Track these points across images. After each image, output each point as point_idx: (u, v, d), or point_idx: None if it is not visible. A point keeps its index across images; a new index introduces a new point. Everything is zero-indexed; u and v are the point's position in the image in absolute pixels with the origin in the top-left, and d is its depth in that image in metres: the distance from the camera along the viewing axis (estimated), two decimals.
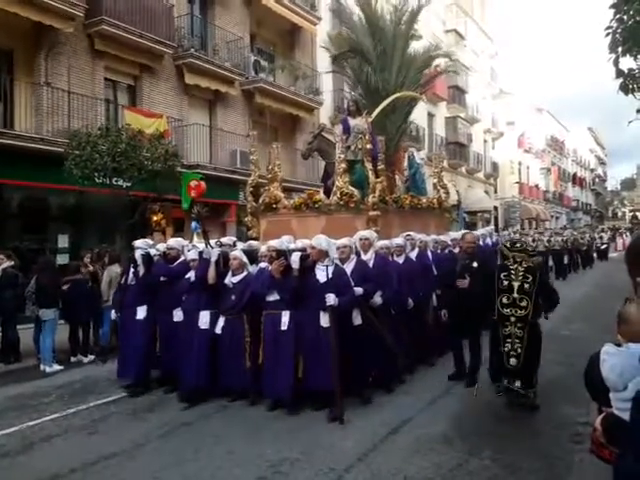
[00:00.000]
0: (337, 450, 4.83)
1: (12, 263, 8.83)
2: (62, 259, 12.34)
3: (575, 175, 66.51)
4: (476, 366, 6.70)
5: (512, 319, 5.72)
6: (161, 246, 7.64)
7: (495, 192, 40.87)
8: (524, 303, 5.69)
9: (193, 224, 8.13)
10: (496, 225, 38.06)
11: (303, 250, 6.25)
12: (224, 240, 7.87)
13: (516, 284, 5.72)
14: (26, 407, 6.46)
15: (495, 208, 39.45)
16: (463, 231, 10.55)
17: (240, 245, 7.70)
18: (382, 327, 6.28)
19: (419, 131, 28.40)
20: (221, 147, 17.90)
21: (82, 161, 10.74)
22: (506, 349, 5.75)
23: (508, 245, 6.03)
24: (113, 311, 7.41)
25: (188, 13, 17.31)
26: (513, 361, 5.72)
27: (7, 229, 12.84)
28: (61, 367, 8.38)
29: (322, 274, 5.81)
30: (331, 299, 5.60)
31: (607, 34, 8.73)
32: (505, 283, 5.75)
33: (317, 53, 21.70)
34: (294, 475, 4.36)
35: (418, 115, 29.06)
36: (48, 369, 8.24)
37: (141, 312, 6.99)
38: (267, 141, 18.84)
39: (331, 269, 5.83)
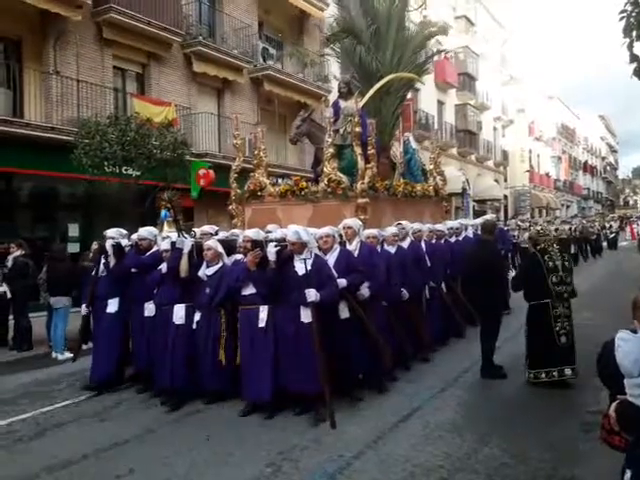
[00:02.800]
0: (346, 437, 4.85)
1: (23, 252, 8.92)
2: (73, 248, 12.41)
3: (586, 163, 65.93)
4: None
5: (565, 296, 6.23)
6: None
7: (505, 180, 40.60)
8: (569, 280, 6.31)
9: (163, 212, 7.64)
10: (506, 213, 37.91)
11: (282, 240, 5.69)
12: (205, 228, 7.47)
13: (559, 263, 6.27)
14: (39, 394, 6.54)
15: (505, 197, 39.20)
16: (479, 219, 10.51)
17: (222, 235, 7.20)
18: (369, 321, 5.86)
19: (428, 119, 28.22)
20: (230, 135, 17.87)
21: (91, 150, 10.76)
22: (557, 328, 6.15)
23: (535, 232, 6.92)
24: (84, 305, 6.84)
25: (196, 0, 17.22)
26: (564, 339, 6.14)
27: (17, 218, 12.93)
28: (72, 354, 8.45)
29: (301, 266, 5.32)
30: (312, 295, 5.12)
31: (621, 18, 8.58)
32: (551, 264, 6.24)
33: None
34: (304, 461, 4.38)
35: (428, 102, 28.94)
36: (60, 357, 8.32)
37: (112, 305, 6.57)
38: (276, 129, 18.88)
39: (310, 261, 5.32)
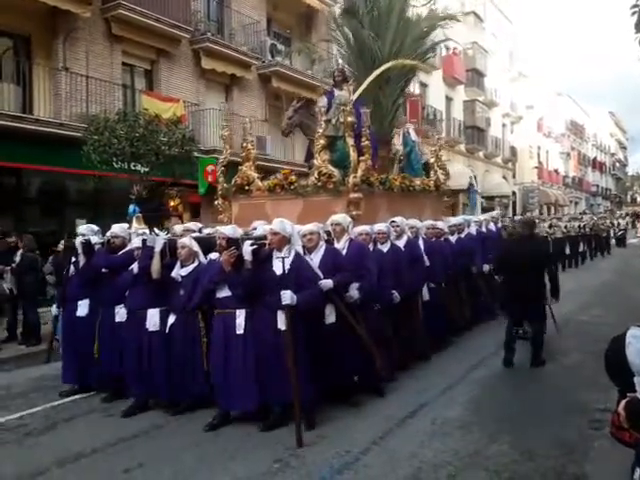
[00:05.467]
0: (354, 433, 4.85)
1: (29, 248, 8.97)
2: None
3: (595, 160, 65.53)
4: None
5: None
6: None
7: (513, 177, 40.43)
8: None
9: (131, 207, 7.19)
10: (514, 210, 37.74)
11: (262, 238, 5.28)
12: (189, 225, 7.02)
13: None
14: (48, 388, 6.57)
15: (513, 193, 39.05)
16: (486, 215, 10.41)
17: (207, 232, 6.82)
18: (359, 325, 5.43)
19: (436, 115, 28.13)
20: (237, 132, 17.89)
21: (100, 146, 10.81)
22: None
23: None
24: (54, 306, 6.50)
25: None
26: None
27: (26, 213, 13.01)
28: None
29: (279, 265, 4.87)
30: (287, 297, 4.68)
31: (633, 13, 8.53)
32: None
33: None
34: (311, 457, 4.39)
35: (435, 98, 28.85)
36: None
37: (82, 308, 6.16)
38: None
39: (289, 260, 4.90)
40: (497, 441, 4.65)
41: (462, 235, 9.42)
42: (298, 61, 20.26)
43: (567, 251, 18.83)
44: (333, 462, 4.30)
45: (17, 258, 8.89)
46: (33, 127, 11.94)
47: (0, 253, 9.04)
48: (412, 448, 4.54)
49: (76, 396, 6.20)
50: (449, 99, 31.09)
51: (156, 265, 5.48)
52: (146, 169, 11.72)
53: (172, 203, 14.86)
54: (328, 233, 6.03)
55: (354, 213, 7.15)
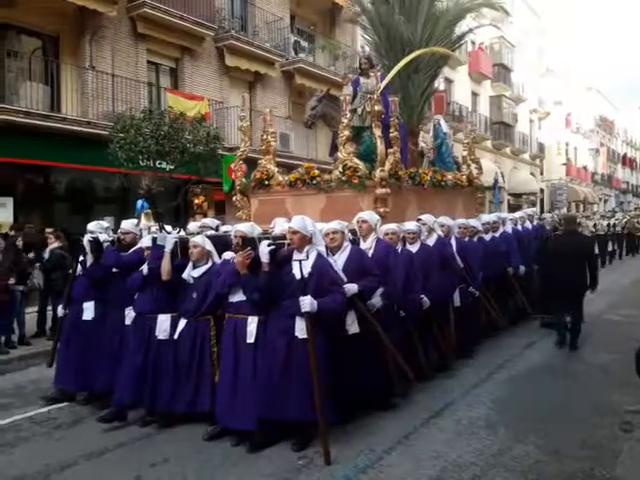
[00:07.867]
0: (378, 432, 4.82)
1: (60, 244, 9.11)
2: None
3: (625, 156, 64.13)
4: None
5: None
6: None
7: (541, 174, 39.81)
8: None
9: (139, 202, 6.78)
10: (542, 208, 37.15)
11: (282, 237, 4.87)
12: (206, 221, 6.59)
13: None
14: None
15: (541, 190, 38.45)
16: (520, 212, 10.34)
17: (225, 228, 6.53)
18: (386, 337, 4.97)
19: (462, 111, 27.82)
20: (261, 129, 17.91)
21: (126, 144, 10.89)
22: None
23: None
24: (60, 307, 6.10)
25: None
26: None
27: (55, 211, 13.24)
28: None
29: (299, 268, 4.46)
30: (307, 304, 4.24)
31: None
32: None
33: (357, 32, 21.40)
34: (335, 455, 4.35)
35: (461, 94, 28.53)
36: None
37: (88, 311, 5.78)
38: None
39: (308, 262, 4.47)
40: (523, 441, 4.58)
41: (497, 234, 8.84)
42: (321, 58, 20.23)
43: (596, 250, 18.30)
44: (357, 461, 4.28)
45: (46, 255, 9.04)
46: (61, 125, 12.15)
47: (30, 248, 9.17)
48: (437, 448, 4.49)
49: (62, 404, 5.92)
50: (475, 94, 30.71)
51: (166, 266, 5.12)
52: (171, 167, 11.81)
53: (196, 201, 14.95)
54: (353, 232, 5.62)
55: (381, 210, 6.71)
